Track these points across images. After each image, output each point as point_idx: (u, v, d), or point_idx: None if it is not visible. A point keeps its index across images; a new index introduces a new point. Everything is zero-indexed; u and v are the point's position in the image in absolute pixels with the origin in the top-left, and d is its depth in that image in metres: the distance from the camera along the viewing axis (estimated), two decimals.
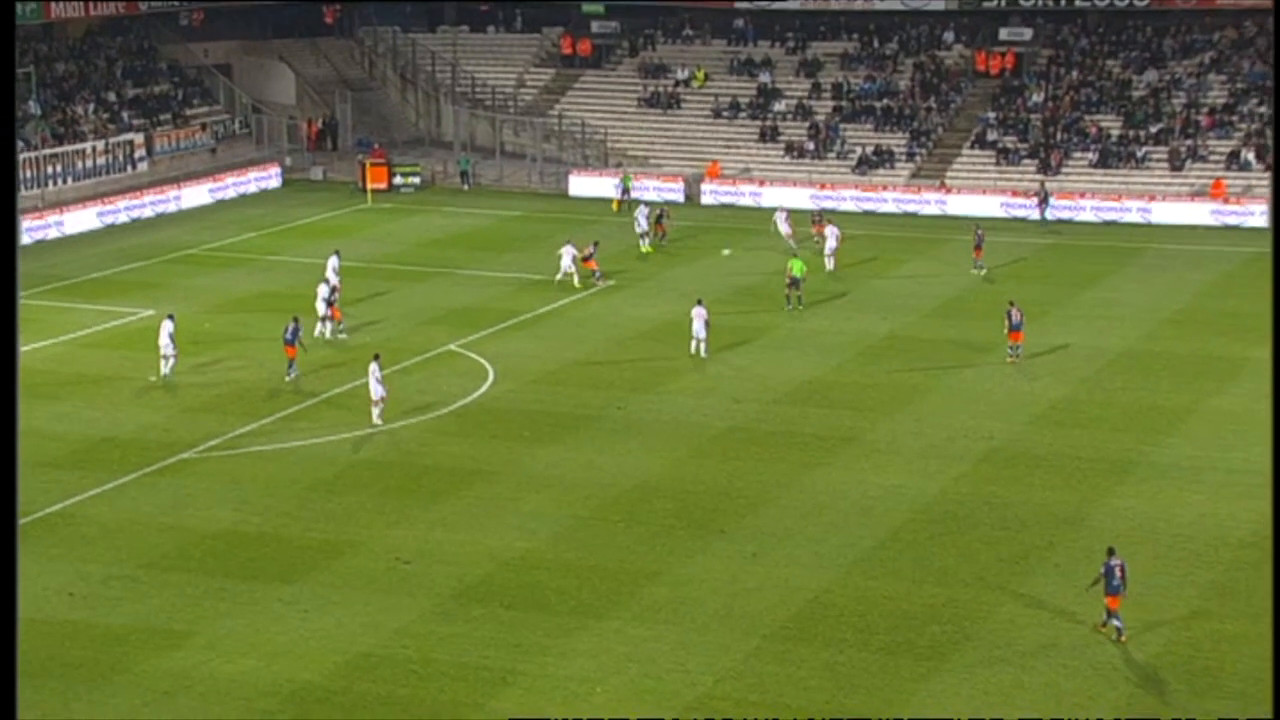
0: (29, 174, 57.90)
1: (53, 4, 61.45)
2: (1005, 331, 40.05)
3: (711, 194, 62.48)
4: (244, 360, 40.22)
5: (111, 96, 64.79)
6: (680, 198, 62.29)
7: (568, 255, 47.77)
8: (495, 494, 31.52)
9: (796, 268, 45.47)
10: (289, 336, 38.13)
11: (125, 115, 64.06)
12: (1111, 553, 25.53)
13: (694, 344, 40.38)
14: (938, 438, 34.79)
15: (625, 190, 60.37)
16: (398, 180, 63.75)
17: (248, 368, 39.62)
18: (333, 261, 44.98)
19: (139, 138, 62.98)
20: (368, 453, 33.84)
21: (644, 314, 44.87)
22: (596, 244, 48.80)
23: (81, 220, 55.73)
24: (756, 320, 44.54)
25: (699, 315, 40.43)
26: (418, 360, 40.50)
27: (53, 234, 54.43)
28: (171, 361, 38.26)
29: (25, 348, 41.07)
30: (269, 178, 64.31)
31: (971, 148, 64.14)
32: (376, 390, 34.83)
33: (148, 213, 58.04)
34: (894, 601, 26.76)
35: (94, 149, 60.95)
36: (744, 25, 72.26)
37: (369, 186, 62.22)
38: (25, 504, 30.37)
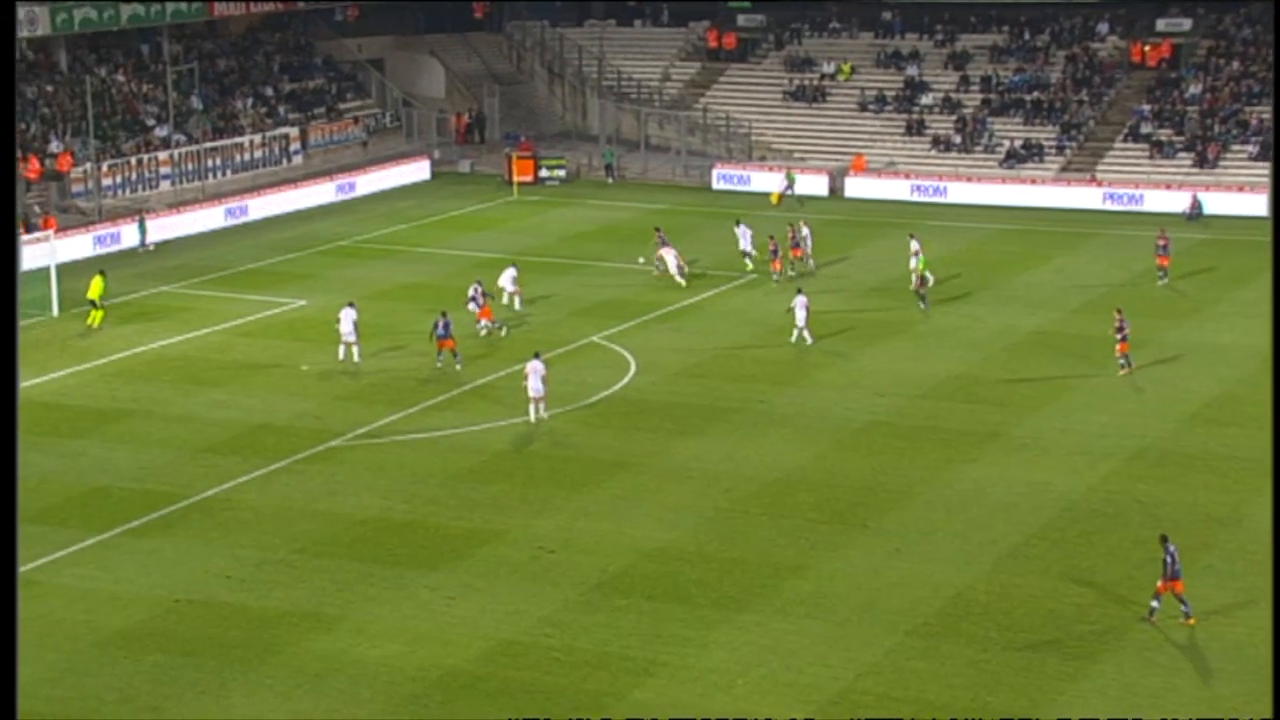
0: (190, 167, 59.56)
1: (216, 3, 63.06)
2: (1115, 342, 38.22)
3: (857, 187, 62.05)
4: (392, 350, 40.86)
5: (269, 91, 66.31)
6: (824, 191, 61.96)
7: (744, 238, 47.91)
8: (637, 485, 31.62)
9: (922, 265, 44.95)
10: (440, 331, 38.65)
11: (281, 110, 65.53)
12: (1166, 540, 25.25)
13: (795, 332, 40.34)
14: (1086, 434, 34.08)
15: (790, 185, 60.31)
16: (543, 173, 64.22)
17: (396, 358, 40.24)
18: (510, 273, 45.21)
19: (294, 131, 64.38)
20: (512, 443, 34.17)
21: (785, 307, 44.60)
22: (658, 229, 48.80)
23: (239, 211, 57.10)
24: (899, 315, 44.08)
25: (800, 304, 40.41)
26: (561, 352, 40.74)
27: (212, 225, 55.81)
28: (357, 348, 39.01)
29: (187, 335, 42.26)
30: (418, 170, 65.25)
31: (1124, 141, 62.66)
32: (538, 387, 34.74)
33: (301, 205, 59.24)
34: (1039, 600, 26.29)
35: (251, 142, 62.45)
36: (892, 18, 71.51)
37: (515, 179, 62.81)
38: (184, 488, 31.29)
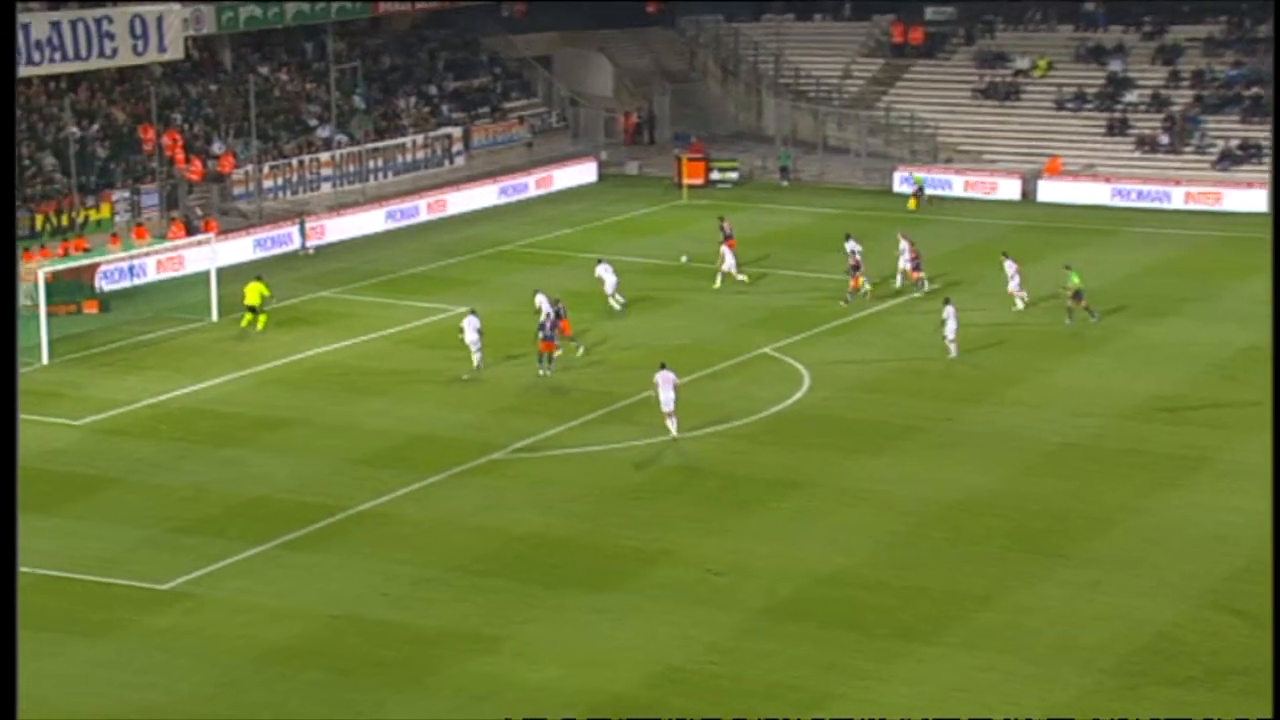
0: (352, 168, 60.95)
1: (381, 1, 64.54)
2: None
3: (1051, 191, 60.99)
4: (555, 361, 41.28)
5: (432, 90, 67.59)
6: (1016, 195, 61.00)
7: (854, 253, 47.35)
8: (810, 506, 31.48)
9: (1074, 279, 44.05)
10: (546, 333, 38.87)
11: (445, 109, 66.73)
12: None
13: (948, 346, 40.12)
14: None
15: (920, 190, 59.87)
16: (715, 175, 64.28)
17: (559, 368, 40.60)
18: (606, 269, 45.75)
19: (457, 132, 65.50)
20: (678, 459, 34.26)
21: (972, 320, 43.99)
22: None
23: (401, 214, 58.26)
24: (1097, 329, 43.16)
25: (950, 314, 40.11)
26: (731, 364, 40.73)
27: (373, 228, 56.98)
28: (479, 355, 39.64)
29: (347, 342, 43.22)
30: (585, 172, 65.86)
31: None
32: (670, 399, 34.64)
33: (464, 208, 60.19)
34: (1251, 640, 25.47)
35: (413, 143, 63.71)
36: (1094, 9, 70.10)
37: (685, 182, 63.02)
38: (342, 499, 32.00)
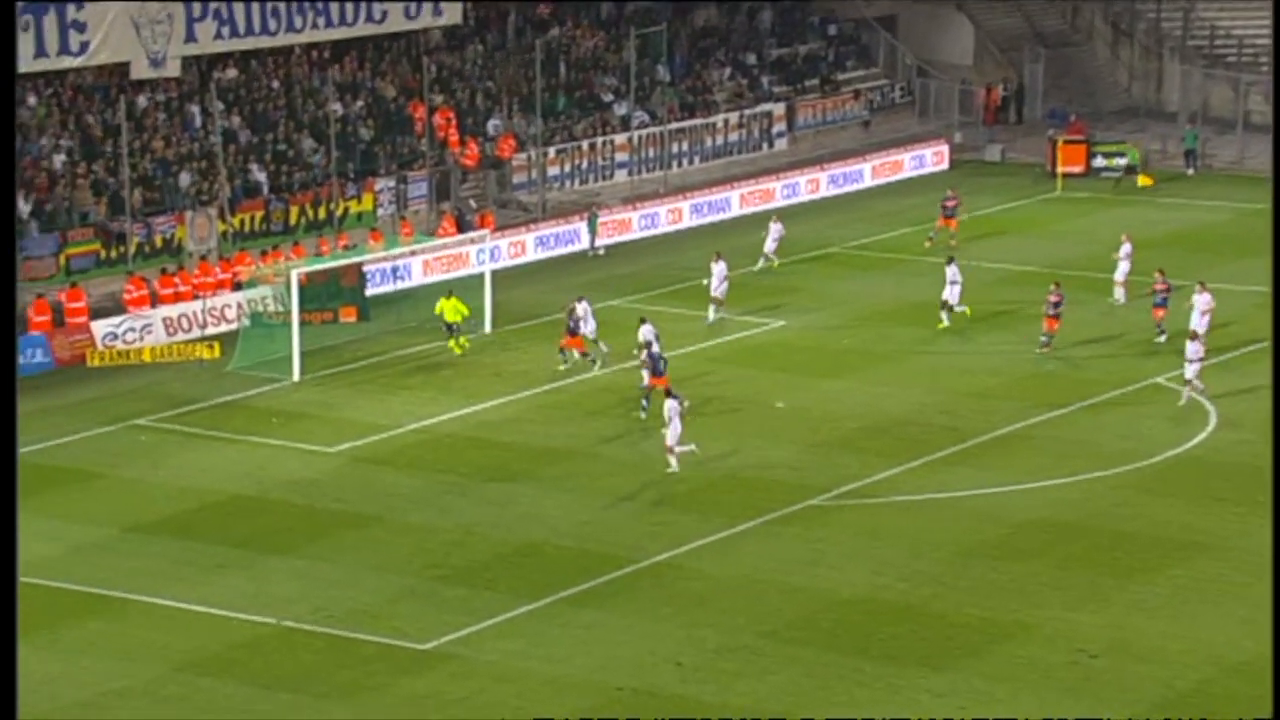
0: (650, 153, 61.80)
1: None
2: None
3: None
4: (887, 385, 41.09)
5: (750, 59, 68.15)
6: None
7: (953, 286, 45.32)
8: (1216, 575, 30.77)
9: None
10: (662, 368, 38.96)
11: (765, 81, 67.19)
12: None
13: (1186, 394, 39.35)
14: None
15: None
16: (1099, 162, 63.32)
17: (894, 393, 40.44)
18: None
19: (779, 109, 65.90)
20: (1043, 511, 33.81)
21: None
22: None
23: (709, 208, 58.86)
24: None
25: (1195, 352, 39.09)
26: (1114, 395, 40.06)
27: (675, 224, 57.66)
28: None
29: (635, 362, 43.79)
30: (934, 158, 65.44)
31: None
32: (676, 430, 35.40)
33: (784, 201, 60.37)
34: None
35: (726, 123, 64.31)
36: None
37: (1060, 170, 62.11)
38: (631, 549, 32.45)
